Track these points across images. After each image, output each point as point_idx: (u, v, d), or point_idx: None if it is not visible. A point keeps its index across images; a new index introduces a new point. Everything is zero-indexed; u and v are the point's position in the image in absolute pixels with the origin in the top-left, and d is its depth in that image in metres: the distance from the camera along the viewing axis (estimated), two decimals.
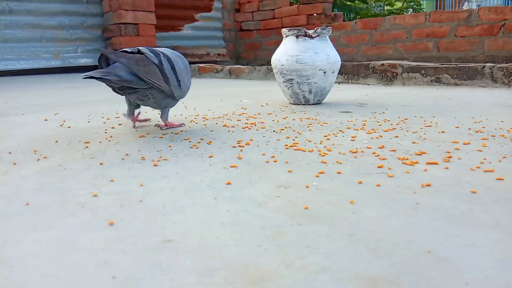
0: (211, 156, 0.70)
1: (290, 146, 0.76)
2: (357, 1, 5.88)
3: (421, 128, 0.92)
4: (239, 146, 0.78)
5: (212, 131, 0.93)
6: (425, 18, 2.99)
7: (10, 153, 0.75)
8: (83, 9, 3.53)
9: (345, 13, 5.31)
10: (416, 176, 0.58)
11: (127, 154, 0.72)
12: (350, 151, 0.72)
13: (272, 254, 0.37)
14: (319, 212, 0.46)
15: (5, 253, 0.37)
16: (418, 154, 0.69)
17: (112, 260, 0.36)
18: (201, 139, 0.84)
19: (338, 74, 1.81)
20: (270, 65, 1.54)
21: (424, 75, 2.04)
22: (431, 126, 0.95)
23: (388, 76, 2.16)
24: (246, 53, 4.51)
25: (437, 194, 0.51)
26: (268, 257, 0.36)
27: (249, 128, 0.96)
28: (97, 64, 0.91)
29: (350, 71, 2.31)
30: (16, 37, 3.25)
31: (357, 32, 3.41)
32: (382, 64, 2.18)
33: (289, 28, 1.36)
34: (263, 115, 1.15)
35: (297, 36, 1.34)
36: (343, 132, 0.90)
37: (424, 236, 0.39)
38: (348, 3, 5.68)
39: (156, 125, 1.02)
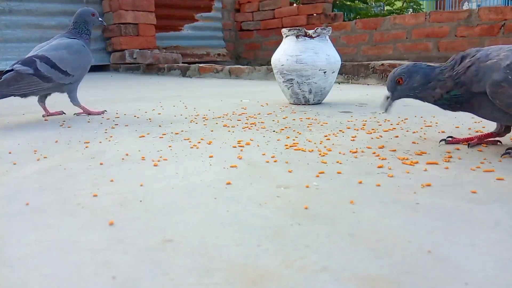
0: (211, 156, 0.70)
1: (290, 146, 0.76)
2: (357, 1, 5.88)
3: (421, 128, 0.92)
4: (239, 146, 0.78)
5: (212, 131, 0.93)
6: (425, 18, 2.99)
7: (10, 153, 0.75)
8: None
9: (345, 13, 5.30)
10: (416, 176, 0.58)
11: (127, 154, 0.72)
12: (350, 151, 0.72)
13: (272, 254, 0.37)
14: (319, 212, 0.46)
15: (5, 253, 0.37)
16: (418, 154, 0.69)
17: (112, 260, 0.36)
18: (201, 139, 0.84)
19: (338, 74, 1.80)
20: (270, 65, 1.54)
21: None
22: (431, 126, 0.95)
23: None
24: (246, 53, 4.51)
25: (437, 194, 0.51)
26: (268, 257, 0.36)
27: (249, 128, 0.96)
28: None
29: (350, 71, 2.31)
30: (16, 37, 3.25)
31: (357, 32, 3.41)
32: (382, 64, 2.18)
33: (289, 28, 1.36)
34: (263, 115, 1.15)
35: (297, 36, 1.34)
36: (343, 132, 0.90)
37: (424, 236, 0.39)
38: (348, 3, 5.67)
39: (74, 113, 1.19)
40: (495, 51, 0.65)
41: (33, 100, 1.54)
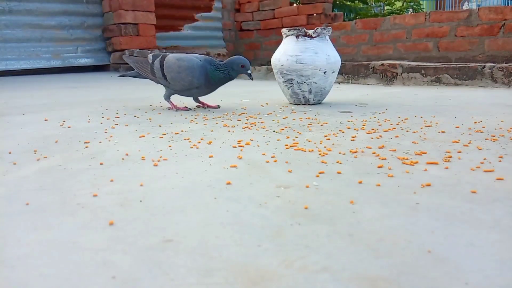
0: (211, 156, 0.70)
1: (290, 146, 0.76)
2: (357, 1, 5.87)
3: (421, 128, 0.92)
4: (239, 146, 0.78)
5: (212, 131, 0.93)
6: (425, 18, 2.99)
7: (10, 153, 0.75)
8: (83, 9, 3.53)
9: (345, 13, 5.30)
10: (416, 176, 0.58)
11: (127, 154, 0.72)
12: (350, 151, 0.72)
13: (272, 254, 0.37)
14: (319, 212, 0.46)
15: (5, 253, 0.37)
16: (418, 154, 0.69)
17: (112, 260, 0.36)
18: (201, 139, 0.84)
19: (338, 74, 1.80)
20: (270, 65, 1.54)
21: (424, 75, 2.04)
22: (431, 126, 0.95)
23: (388, 76, 2.16)
24: (246, 53, 4.51)
25: (437, 194, 0.51)
26: (268, 257, 0.36)
27: (249, 128, 0.96)
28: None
29: (350, 71, 2.31)
30: (16, 37, 3.25)
31: (357, 32, 3.41)
32: (382, 64, 2.18)
33: (289, 28, 1.36)
34: (263, 115, 1.15)
35: (297, 36, 1.34)
36: (343, 132, 0.90)
37: (424, 236, 0.39)
38: (348, 3, 5.67)
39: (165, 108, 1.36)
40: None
41: (33, 100, 1.54)
